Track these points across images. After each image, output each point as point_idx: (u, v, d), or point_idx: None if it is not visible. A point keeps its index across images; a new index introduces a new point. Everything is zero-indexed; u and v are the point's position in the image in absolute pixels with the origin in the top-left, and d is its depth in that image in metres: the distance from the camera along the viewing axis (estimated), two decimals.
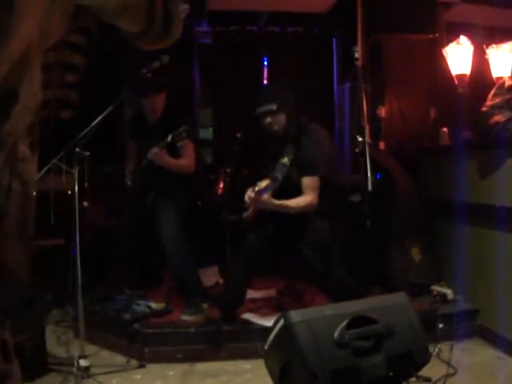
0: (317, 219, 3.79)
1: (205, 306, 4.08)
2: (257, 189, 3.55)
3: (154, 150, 4.04)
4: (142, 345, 3.78)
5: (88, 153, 3.43)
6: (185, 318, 4.01)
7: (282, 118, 3.77)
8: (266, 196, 3.58)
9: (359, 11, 5.58)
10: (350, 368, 2.52)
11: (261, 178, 3.63)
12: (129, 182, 4.53)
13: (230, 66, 6.43)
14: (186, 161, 4.28)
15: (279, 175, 3.63)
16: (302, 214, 3.75)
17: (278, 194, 3.71)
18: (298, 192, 3.76)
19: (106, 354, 3.90)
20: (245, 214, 3.85)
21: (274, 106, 3.71)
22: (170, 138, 3.97)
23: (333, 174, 3.90)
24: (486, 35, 5.64)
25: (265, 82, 6.63)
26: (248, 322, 3.93)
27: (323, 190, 3.80)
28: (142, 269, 4.67)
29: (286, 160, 3.73)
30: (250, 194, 3.67)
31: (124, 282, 4.68)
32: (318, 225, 3.79)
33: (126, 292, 4.61)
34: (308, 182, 3.73)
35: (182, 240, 4.21)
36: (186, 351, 3.78)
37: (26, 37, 1.21)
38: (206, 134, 6.80)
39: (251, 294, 4.17)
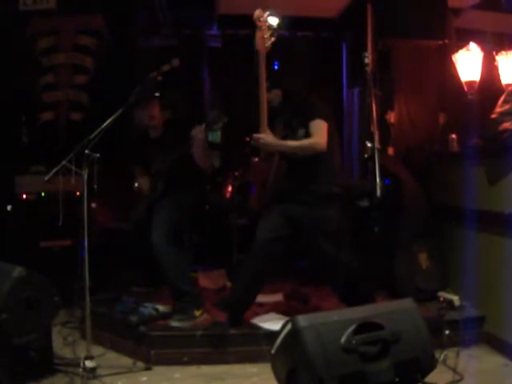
0: (324, 208, 3.79)
1: (197, 312, 4.00)
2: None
3: (198, 128, 3.93)
4: (149, 347, 3.79)
5: (98, 154, 3.44)
6: (173, 324, 3.97)
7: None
8: (263, 136, 3.71)
9: (369, 16, 5.58)
10: (357, 373, 2.52)
11: None
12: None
13: (240, 70, 6.44)
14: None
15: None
16: (309, 205, 3.76)
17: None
18: None
19: (112, 356, 3.91)
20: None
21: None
22: (205, 125, 3.91)
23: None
24: (496, 42, 5.63)
25: None
26: (255, 326, 3.93)
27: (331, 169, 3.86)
28: (149, 268, 4.62)
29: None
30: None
31: (132, 281, 4.69)
32: (326, 214, 3.79)
33: (134, 290, 4.60)
34: (313, 125, 3.72)
35: (170, 243, 4.05)
36: (192, 354, 3.78)
37: None
38: (215, 137, 6.80)
39: (258, 298, 4.16)
